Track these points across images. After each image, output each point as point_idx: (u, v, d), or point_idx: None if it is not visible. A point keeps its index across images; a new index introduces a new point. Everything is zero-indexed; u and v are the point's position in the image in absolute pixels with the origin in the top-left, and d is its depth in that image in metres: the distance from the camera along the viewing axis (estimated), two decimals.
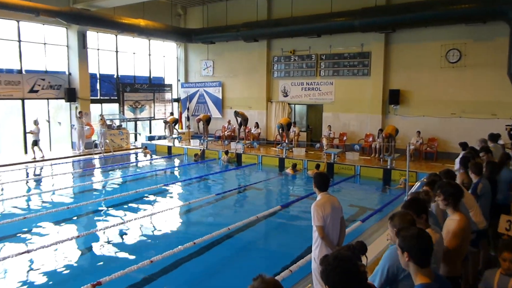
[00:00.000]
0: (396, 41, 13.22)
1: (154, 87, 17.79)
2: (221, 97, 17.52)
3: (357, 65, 13.94)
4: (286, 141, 13.36)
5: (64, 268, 5.26)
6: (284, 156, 12.69)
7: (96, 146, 14.19)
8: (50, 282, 4.87)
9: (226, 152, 13.31)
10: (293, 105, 15.95)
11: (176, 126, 16.44)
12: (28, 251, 5.53)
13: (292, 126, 14.26)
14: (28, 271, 5.19)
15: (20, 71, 13.53)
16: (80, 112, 14.21)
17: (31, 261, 5.43)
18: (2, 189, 9.43)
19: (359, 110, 14.03)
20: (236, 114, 14.63)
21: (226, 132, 16.16)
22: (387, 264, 2.44)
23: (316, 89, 14.96)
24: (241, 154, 13.35)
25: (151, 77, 18.04)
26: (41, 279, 4.93)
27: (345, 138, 14.11)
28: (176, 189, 10.04)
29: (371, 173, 11.30)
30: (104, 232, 6.47)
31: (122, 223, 6.89)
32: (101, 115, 14.68)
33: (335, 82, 14.50)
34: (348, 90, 14.26)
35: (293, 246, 6.06)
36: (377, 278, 2.47)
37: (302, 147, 13.95)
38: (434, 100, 12.67)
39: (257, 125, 15.83)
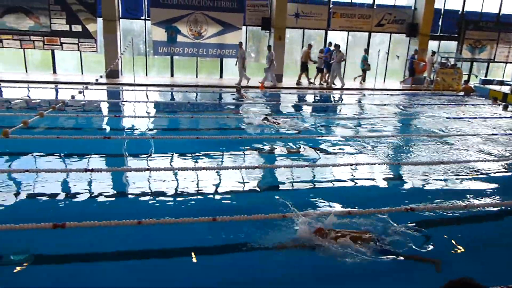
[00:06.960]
0: None
1: (501, 25, 20.63)
2: None
3: None
4: None
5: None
6: None
7: (431, 82, 19.03)
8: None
9: None
10: None
11: None
12: None
13: None
14: None
15: (371, 5, 19.93)
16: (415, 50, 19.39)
17: None
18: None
19: None
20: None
21: None
22: None
23: None
24: None
25: (500, 14, 20.94)
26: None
27: None
28: None
29: None
30: None
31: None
32: (434, 52, 19.31)
33: None
34: None
35: None
36: None
37: None
38: None
39: None
